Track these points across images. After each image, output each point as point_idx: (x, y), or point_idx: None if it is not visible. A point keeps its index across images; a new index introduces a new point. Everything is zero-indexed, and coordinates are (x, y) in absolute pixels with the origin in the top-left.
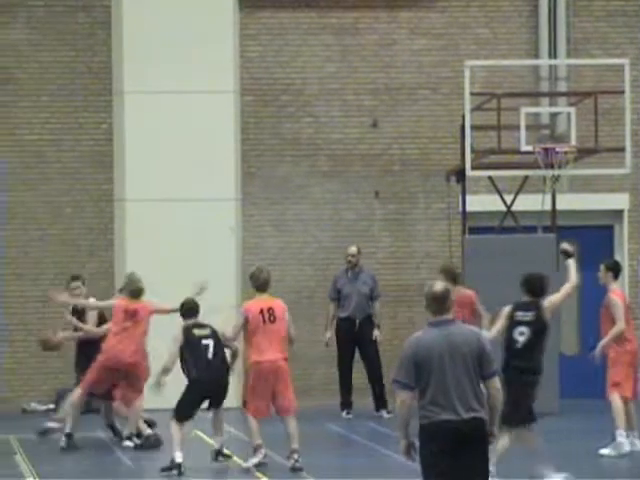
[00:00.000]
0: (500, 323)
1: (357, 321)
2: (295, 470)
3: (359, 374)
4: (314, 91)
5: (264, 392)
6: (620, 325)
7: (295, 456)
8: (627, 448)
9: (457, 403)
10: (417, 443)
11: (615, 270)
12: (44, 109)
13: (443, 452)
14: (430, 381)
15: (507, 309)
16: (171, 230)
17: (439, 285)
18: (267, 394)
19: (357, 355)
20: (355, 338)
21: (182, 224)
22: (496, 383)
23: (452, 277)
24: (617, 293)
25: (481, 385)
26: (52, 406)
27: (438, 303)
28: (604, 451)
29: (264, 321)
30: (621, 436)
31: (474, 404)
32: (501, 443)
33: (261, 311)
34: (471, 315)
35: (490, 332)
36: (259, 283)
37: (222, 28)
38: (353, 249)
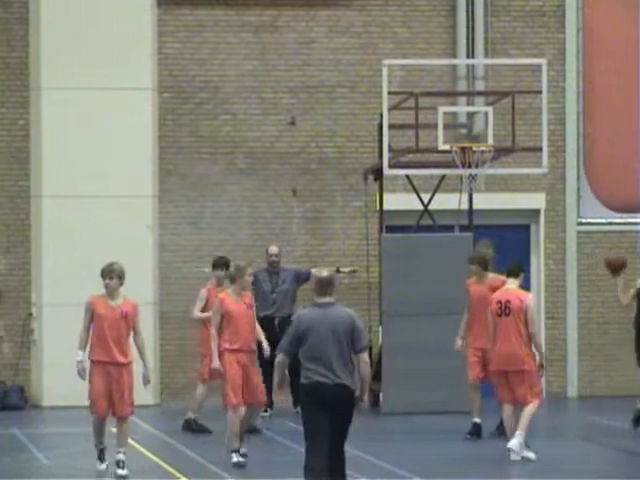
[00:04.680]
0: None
1: (276, 320)
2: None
3: None
4: (232, 89)
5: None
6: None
7: (120, 456)
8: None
9: (328, 370)
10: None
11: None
12: None
13: (315, 406)
14: (309, 350)
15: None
16: (88, 227)
17: (324, 272)
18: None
19: None
20: (275, 337)
21: (99, 221)
22: (365, 357)
23: (484, 264)
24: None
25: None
26: None
27: (322, 287)
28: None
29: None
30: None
31: (342, 372)
32: None
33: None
34: None
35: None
36: None
37: (140, 25)
38: (275, 249)
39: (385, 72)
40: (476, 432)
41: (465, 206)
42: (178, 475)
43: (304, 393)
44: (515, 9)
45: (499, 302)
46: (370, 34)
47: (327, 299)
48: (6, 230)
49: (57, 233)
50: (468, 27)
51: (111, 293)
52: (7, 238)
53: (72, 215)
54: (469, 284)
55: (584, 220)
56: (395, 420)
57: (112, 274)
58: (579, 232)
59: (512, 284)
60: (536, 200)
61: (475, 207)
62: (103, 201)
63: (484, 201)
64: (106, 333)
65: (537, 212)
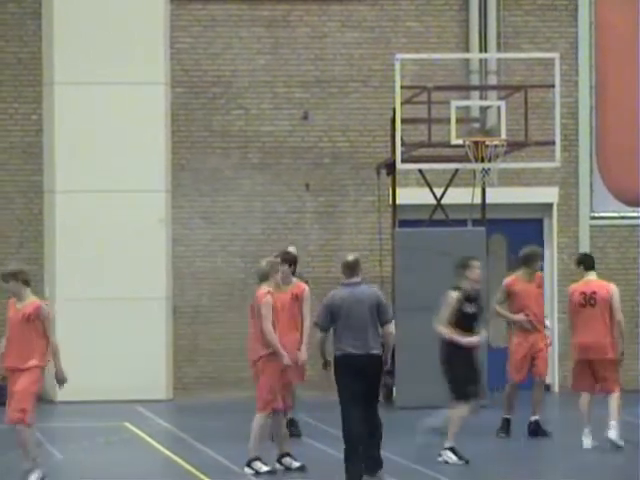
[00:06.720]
0: None
1: None
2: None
3: None
4: (245, 83)
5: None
6: None
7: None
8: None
9: (359, 340)
10: (331, 361)
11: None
12: None
13: (349, 375)
14: (340, 325)
15: None
16: (101, 221)
17: (351, 255)
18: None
19: None
20: None
21: (112, 215)
22: (390, 328)
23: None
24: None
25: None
26: None
27: (349, 269)
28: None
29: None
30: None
31: (371, 343)
32: None
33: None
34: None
35: None
36: None
37: (153, 19)
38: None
39: (398, 66)
40: (507, 428)
41: (478, 200)
42: (193, 471)
43: (337, 364)
44: (527, 3)
45: (583, 293)
46: (383, 28)
47: (354, 279)
48: (19, 225)
49: (70, 228)
50: (481, 21)
51: (16, 296)
52: (20, 233)
53: (85, 210)
54: (514, 282)
55: (597, 214)
56: (409, 414)
57: (7, 277)
58: (592, 226)
59: (592, 275)
60: (549, 194)
61: (488, 201)
62: (116, 196)
63: (497, 195)
64: (10, 337)
65: (550, 206)
